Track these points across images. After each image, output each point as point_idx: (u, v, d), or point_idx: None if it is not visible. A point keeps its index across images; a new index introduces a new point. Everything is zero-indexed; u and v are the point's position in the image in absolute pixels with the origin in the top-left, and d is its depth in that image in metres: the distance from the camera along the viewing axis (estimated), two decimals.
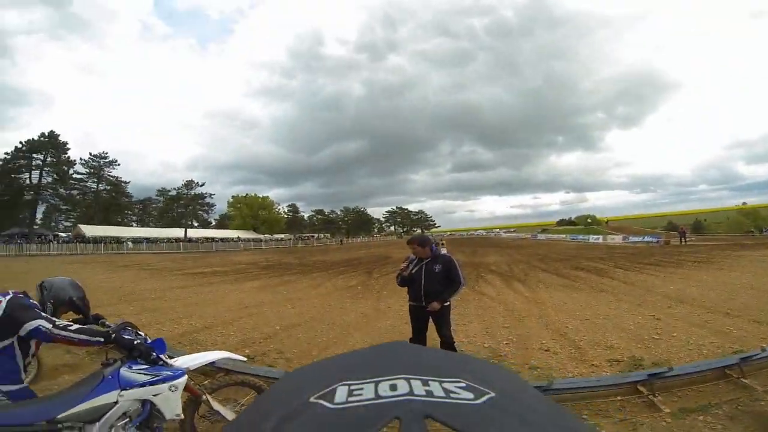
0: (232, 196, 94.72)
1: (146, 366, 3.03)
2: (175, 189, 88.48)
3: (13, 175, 67.70)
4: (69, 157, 72.54)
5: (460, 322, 9.04)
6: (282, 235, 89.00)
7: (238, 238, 77.17)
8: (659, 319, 8.94)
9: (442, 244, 36.04)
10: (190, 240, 69.34)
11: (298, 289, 16.15)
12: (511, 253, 35.99)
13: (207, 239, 71.28)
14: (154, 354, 3.08)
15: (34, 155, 68.52)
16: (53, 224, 75.28)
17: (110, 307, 11.57)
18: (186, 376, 3.20)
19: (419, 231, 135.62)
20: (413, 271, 6.01)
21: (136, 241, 61.28)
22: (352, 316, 10.46)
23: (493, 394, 0.65)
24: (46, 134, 69.24)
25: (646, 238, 54.71)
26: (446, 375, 0.70)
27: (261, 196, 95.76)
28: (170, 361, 3.32)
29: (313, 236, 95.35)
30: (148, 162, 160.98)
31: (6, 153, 67.75)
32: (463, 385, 0.67)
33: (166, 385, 3.02)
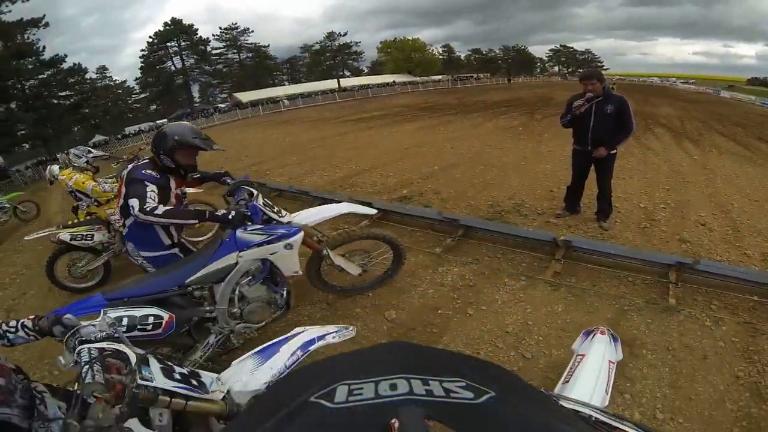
0: (381, 42, 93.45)
1: (261, 226, 3.19)
2: (317, 43, 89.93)
3: (158, 66, 73.87)
4: (201, 36, 76.81)
5: (619, 176, 8.53)
6: (439, 77, 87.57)
7: (394, 82, 77.11)
8: None
9: (613, 87, 33.37)
10: (344, 89, 70.79)
11: (457, 129, 16.20)
12: (687, 108, 32.04)
13: (362, 86, 72.14)
14: (250, 221, 3.20)
15: (168, 44, 73.71)
16: (210, 99, 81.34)
17: (276, 159, 12.61)
18: (302, 233, 3.31)
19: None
20: (582, 111, 5.68)
21: (291, 98, 63.63)
22: (512, 158, 10.38)
23: (493, 394, 0.64)
24: (170, 22, 73.50)
25: None
26: (446, 374, 0.70)
27: (411, 38, 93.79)
28: (290, 217, 3.50)
29: (471, 76, 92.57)
30: (282, 23, 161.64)
31: (142, 50, 73.55)
32: (463, 384, 0.67)
33: (281, 243, 3.15)
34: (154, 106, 77.86)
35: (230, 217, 3.10)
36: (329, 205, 4.14)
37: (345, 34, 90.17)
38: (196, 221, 3.17)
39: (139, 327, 2.54)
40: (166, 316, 2.65)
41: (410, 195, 7.40)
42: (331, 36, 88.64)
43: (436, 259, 5.18)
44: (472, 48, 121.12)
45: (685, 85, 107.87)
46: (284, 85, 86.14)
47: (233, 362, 1.96)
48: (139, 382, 1.45)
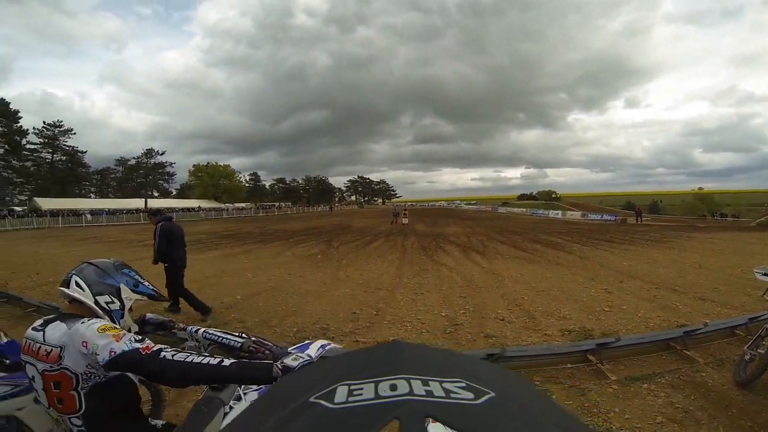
0: (193, 165, 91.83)
1: (3, 374, 2.34)
2: (134, 158, 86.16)
3: None
4: (21, 126, 68.12)
5: (418, 291, 9.25)
6: (243, 204, 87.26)
7: (199, 207, 74.90)
8: (611, 293, 9.21)
9: (405, 213, 36.30)
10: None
11: (259, 257, 16.01)
12: (471, 225, 36.20)
13: (168, 209, 69.02)
14: (8, 360, 2.43)
15: None
16: (7, 198, 67.21)
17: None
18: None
19: (380, 200, 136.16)
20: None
21: (95, 213, 57.77)
22: (312, 285, 10.41)
23: (493, 394, 0.64)
24: None
25: (604, 216, 56.29)
26: (446, 375, 0.69)
27: (222, 164, 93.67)
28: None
29: (273, 205, 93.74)
30: (107, 132, 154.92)
31: None
32: (463, 385, 0.66)
33: (30, 396, 2.20)
34: None
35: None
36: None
37: (163, 153, 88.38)
38: None
39: None
40: None
41: (215, 325, 6.93)
42: (149, 153, 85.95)
43: None
44: (276, 177, 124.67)
45: (469, 206, 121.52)
46: (90, 197, 79.20)
47: None
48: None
